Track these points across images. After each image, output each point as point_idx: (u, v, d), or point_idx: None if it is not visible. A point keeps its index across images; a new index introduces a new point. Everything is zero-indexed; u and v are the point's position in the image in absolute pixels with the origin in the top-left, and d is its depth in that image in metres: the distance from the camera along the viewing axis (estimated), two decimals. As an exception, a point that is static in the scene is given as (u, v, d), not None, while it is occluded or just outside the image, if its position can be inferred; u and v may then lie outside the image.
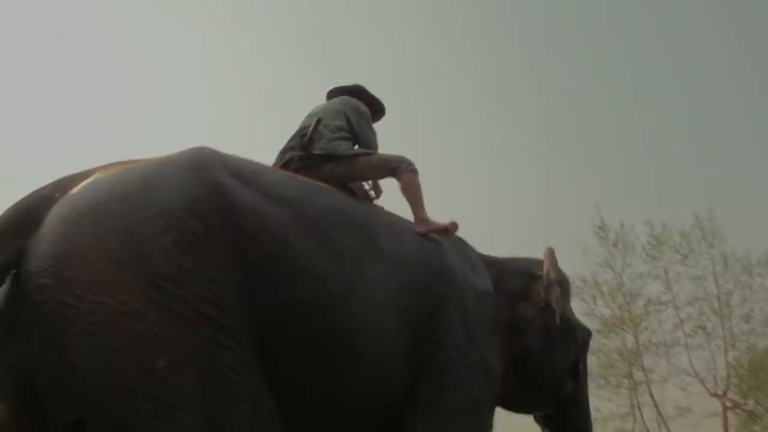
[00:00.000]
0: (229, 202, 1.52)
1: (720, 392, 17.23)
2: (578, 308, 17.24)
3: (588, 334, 3.03)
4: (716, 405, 17.23)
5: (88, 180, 1.49)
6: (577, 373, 2.78)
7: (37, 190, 1.50)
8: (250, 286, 1.47)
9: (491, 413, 2.26)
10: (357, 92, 2.94)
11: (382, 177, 2.67)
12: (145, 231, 1.36)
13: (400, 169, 2.54)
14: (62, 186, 1.50)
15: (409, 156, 2.64)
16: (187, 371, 1.29)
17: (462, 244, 2.57)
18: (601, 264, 19.10)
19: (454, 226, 2.48)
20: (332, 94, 2.97)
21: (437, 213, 2.43)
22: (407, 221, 2.41)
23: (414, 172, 2.54)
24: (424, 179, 2.60)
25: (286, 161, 2.50)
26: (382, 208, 2.50)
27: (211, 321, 1.35)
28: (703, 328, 17.98)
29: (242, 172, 1.68)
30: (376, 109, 3.01)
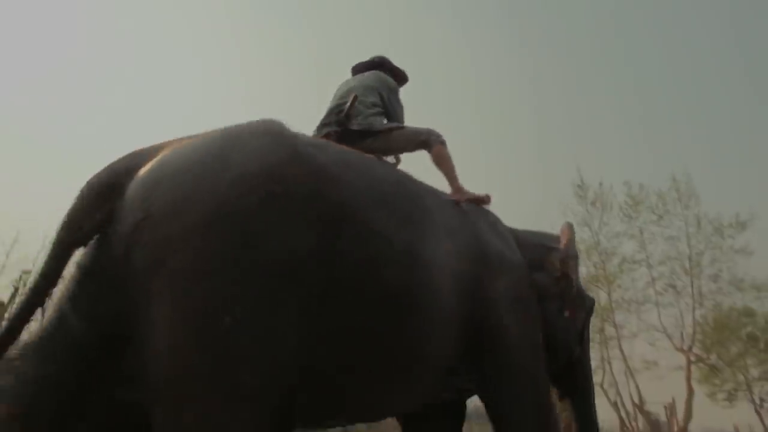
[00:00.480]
0: (308, 167, 1.63)
1: (685, 347, 17.87)
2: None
3: (592, 302, 3.21)
4: (681, 359, 17.88)
5: (170, 149, 1.60)
6: (582, 338, 2.96)
7: (119, 160, 1.61)
8: (324, 244, 1.57)
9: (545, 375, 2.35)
10: (381, 65, 3.11)
11: (413, 150, 2.76)
12: (229, 194, 1.44)
13: (430, 141, 2.69)
14: (143, 155, 1.61)
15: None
16: (252, 329, 1.37)
17: (489, 214, 2.65)
18: (579, 222, 19.59)
19: (488, 198, 2.66)
20: (358, 69, 3.13)
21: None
22: (444, 192, 2.49)
23: (443, 144, 2.70)
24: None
25: (323, 136, 2.58)
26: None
27: (284, 279, 1.46)
28: (674, 287, 18.55)
29: (312, 141, 1.84)
30: (400, 78, 3.16)
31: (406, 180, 2.20)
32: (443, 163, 2.65)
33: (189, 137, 1.67)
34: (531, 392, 2.15)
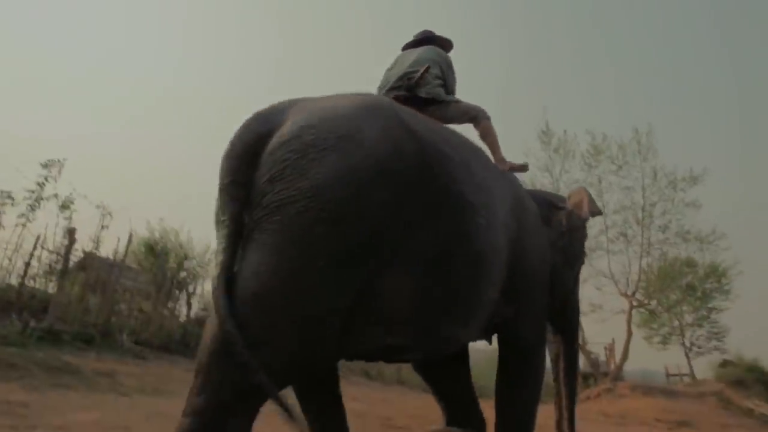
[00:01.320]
0: (419, 144, 1.91)
1: (629, 293, 18.80)
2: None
3: (585, 254, 3.66)
4: (624, 304, 18.86)
5: (306, 112, 1.86)
6: (576, 283, 3.46)
7: (258, 120, 1.87)
8: (426, 215, 1.87)
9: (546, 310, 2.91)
10: (433, 39, 3.43)
11: (464, 122, 3.10)
12: (361, 164, 1.71)
13: (479, 117, 3.07)
14: (282, 114, 1.88)
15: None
16: (339, 279, 1.65)
17: (516, 179, 3.01)
18: (541, 168, 19.92)
19: (527, 166, 3.10)
20: (410, 45, 3.43)
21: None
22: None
23: (489, 119, 3.08)
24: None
25: (392, 99, 2.76)
26: None
27: (393, 234, 1.76)
28: (625, 235, 19.29)
29: (414, 118, 2.09)
30: (449, 47, 3.47)
31: (475, 147, 2.55)
32: (489, 137, 3.05)
33: (316, 100, 2.00)
34: (539, 321, 2.77)
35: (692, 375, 20.93)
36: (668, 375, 21.46)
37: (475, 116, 3.09)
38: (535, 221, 2.76)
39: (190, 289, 11.55)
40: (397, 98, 2.84)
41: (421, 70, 2.98)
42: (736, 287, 20.86)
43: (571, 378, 3.51)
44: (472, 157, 2.31)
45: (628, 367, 19.82)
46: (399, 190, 1.80)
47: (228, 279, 1.65)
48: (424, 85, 3.00)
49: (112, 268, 9.09)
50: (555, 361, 3.56)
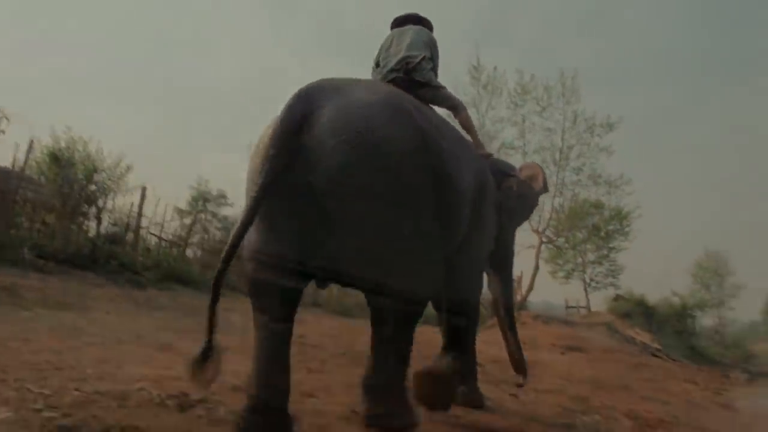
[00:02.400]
0: (421, 135, 2.49)
1: (540, 229, 19.77)
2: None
3: (529, 217, 4.87)
4: (535, 239, 19.82)
5: (347, 96, 2.42)
6: (513, 237, 4.35)
7: (304, 98, 2.34)
8: (434, 181, 2.53)
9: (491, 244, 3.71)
10: (420, 20, 3.95)
11: (445, 108, 3.73)
12: (389, 148, 2.34)
13: (458, 108, 3.75)
14: (324, 93, 2.39)
15: None
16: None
17: (481, 158, 3.62)
18: (468, 104, 20.07)
19: (492, 155, 4.05)
20: (399, 22, 3.93)
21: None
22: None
23: (466, 110, 3.86)
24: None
25: (391, 80, 3.47)
26: None
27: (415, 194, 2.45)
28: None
29: (419, 113, 2.63)
30: (431, 28, 4.01)
31: (458, 136, 3.27)
32: (468, 126, 3.81)
33: (353, 83, 2.59)
34: (481, 255, 3.59)
35: (588, 308, 22.65)
36: (567, 307, 23.06)
37: (455, 106, 3.74)
38: (490, 192, 3.46)
39: (100, 203, 10.99)
40: (395, 80, 3.47)
41: (419, 59, 3.53)
42: (634, 229, 22.45)
43: (509, 312, 4.34)
44: (456, 145, 2.93)
45: (533, 298, 21.11)
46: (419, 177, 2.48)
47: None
48: (420, 70, 3.53)
49: (10, 178, 8.47)
50: (494, 301, 4.36)
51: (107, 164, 11.02)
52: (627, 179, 20.06)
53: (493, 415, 3.99)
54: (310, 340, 6.64)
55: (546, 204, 19.81)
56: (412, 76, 3.50)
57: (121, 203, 11.74)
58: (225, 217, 18.32)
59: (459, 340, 3.94)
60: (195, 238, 16.06)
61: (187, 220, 15.96)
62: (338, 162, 2.22)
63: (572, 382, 6.87)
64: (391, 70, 3.55)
